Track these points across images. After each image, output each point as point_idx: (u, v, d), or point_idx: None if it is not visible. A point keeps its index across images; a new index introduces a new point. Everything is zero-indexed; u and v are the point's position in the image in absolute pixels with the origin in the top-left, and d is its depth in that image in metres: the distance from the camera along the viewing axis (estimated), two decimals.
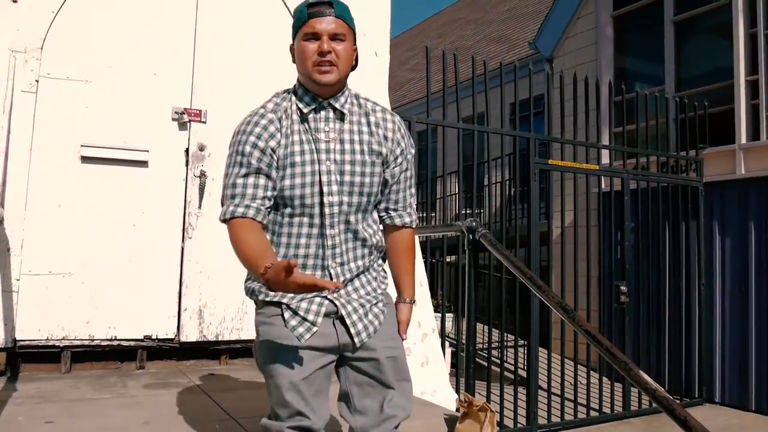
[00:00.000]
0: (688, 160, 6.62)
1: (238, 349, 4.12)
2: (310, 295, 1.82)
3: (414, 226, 2.04)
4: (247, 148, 1.81)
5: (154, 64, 3.89)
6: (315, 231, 1.85)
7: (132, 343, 3.81)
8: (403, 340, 1.99)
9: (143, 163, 3.85)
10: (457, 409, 3.08)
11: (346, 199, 1.85)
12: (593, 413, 5.90)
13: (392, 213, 1.98)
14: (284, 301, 1.83)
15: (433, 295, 7.50)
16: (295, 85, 1.92)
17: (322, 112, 1.87)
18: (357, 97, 1.96)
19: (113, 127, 3.77)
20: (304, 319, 1.82)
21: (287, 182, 1.82)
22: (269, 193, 1.82)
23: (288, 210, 1.85)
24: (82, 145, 3.69)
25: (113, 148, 3.76)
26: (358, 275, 1.91)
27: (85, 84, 3.73)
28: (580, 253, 5.77)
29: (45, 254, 3.60)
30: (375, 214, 1.98)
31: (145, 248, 3.83)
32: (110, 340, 3.76)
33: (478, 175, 9.20)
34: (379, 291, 1.96)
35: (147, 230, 3.84)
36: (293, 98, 1.89)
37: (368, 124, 1.92)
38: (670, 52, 7.43)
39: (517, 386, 5.38)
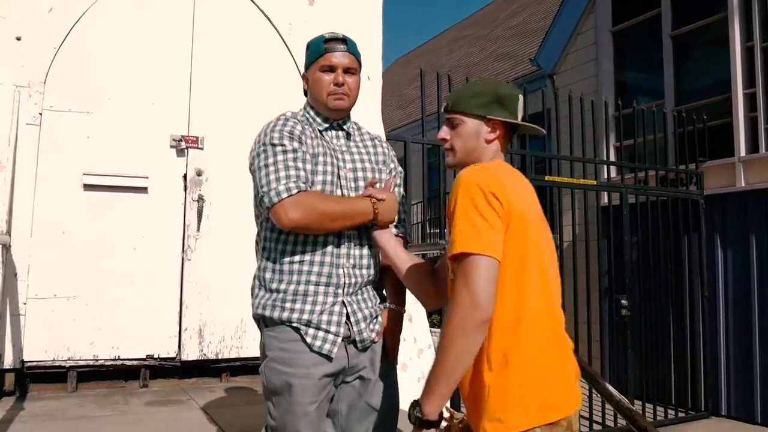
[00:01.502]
0: (688, 174, 6.66)
1: (238, 367, 4.24)
2: (328, 306, 1.87)
3: (405, 238, 2.09)
4: (284, 140, 1.88)
5: (152, 93, 4.06)
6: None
7: (135, 363, 3.95)
8: (393, 352, 2.01)
9: (143, 189, 4.01)
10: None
11: None
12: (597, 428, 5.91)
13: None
14: (305, 317, 1.85)
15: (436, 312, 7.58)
16: (305, 108, 2.05)
17: (333, 132, 2.03)
18: (355, 122, 2.12)
19: (114, 155, 3.94)
20: (328, 332, 1.85)
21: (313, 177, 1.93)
22: (310, 177, 1.88)
23: None
24: (84, 174, 3.86)
25: (114, 175, 3.93)
26: (366, 285, 1.96)
27: (86, 115, 3.91)
28: (584, 267, 5.82)
29: (50, 279, 3.77)
30: None
31: (146, 271, 3.98)
32: (114, 360, 3.90)
33: None
34: (379, 311, 2.00)
35: (147, 253, 3.99)
36: (306, 116, 2.03)
37: (371, 140, 2.10)
38: (669, 66, 7.50)
39: None
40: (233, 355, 4.17)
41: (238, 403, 3.72)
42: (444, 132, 1.75)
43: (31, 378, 3.78)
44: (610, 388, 2.24)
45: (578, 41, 8.46)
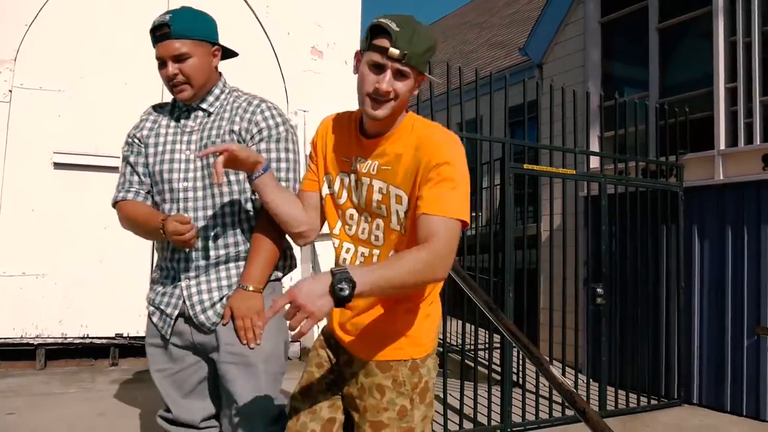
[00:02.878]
0: (668, 166, 6.68)
1: None
2: (168, 289, 1.97)
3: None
4: (124, 145, 2.16)
5: (125, 73, 4.06)
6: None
7: (104, 341, 3.99)
8: (240, 333, 1.88)
9: (114, 169, 4.01)
10: None
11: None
12: (569, 412, 5.98)
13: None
14: (152, 298, 2.05)
15: None
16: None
17: (185, 115, 2.10)
18: (235, 91, 2.15)
19: (85, 134, 3.95)
20: (163, 312, 1.98)
21: None
22: (139, 179, 2.10)
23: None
24: (54, 152, 3.88)
25: (85, 154, 3.94)
26: (216, 266, 1.94)
27: (57, 93, 3.91)
28: (566, 256, 5.86)
29: (19, 256, 3.79)
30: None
31: (116, 250, 4.00)
32: (82, 338, 3.93)
33: (474, 179, 9.31)
34: (229, 292, 1.93)
35: (118, 232, 3.99)
36: (170, 104, 2.21)
37: (244, 109, 2.05)
38: (654, 59, 7.49)
39: (495, 385, 5.49)
40: None
41: None
42: (389, 82, 1.57)
43: (0, 355, 3.82)
44: (555, 372, 2.28)
45: (567, 31, 8.44)
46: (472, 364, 6.62)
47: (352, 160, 1.74)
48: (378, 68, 1.60)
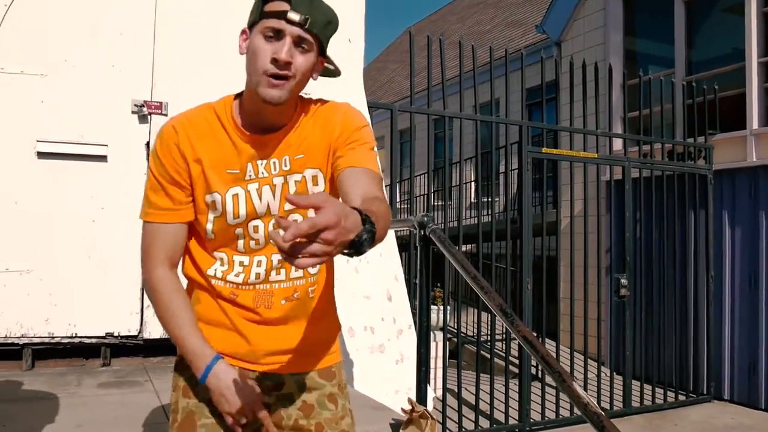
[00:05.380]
0: (696, 147, 6.32)
1: None
2: None
3: None
4: None
5: (112, 56, 3.81)
6: None
7: (94, 341, 3.77)
8: None
9: (102, 158, 3.78)
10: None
11: None
12: None
13: None
14: None
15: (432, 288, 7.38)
16: None
17: None
18: None
19: (70, 121, 3.70)
20: None
21: None
22: None
23: None
24: (38, 141, 3.64)
25: (70, 143, 3.69)
26: None
27: (40, 78, 3.66)
28: (587, 243, 5.54)
29: (2, 251, 3.56)
30: None
31: (106, 244, 3.76)
32: (71, 337, 3.71)
33: (490, 164, 9.01)
34: None
35: (107, 226, 3.77)
36: None
37: None
38: (680, 34, 7.10)
39: (512, 379, 5.19)
40: None
41: None
42: (288, 51, 1.34)
43: None
44: (579, 389, 1.99)
45: (586, 7, 8.05)
46: (488, 356, 6.34)
47: (244, 170, 1.44)
48: (274, 36, 1.34)
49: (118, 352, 3.88)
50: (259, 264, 1.48)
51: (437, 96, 5.08)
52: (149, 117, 3.87)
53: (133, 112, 3.85)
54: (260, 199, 1.45)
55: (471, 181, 10.62)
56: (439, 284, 7.10)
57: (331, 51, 1.49)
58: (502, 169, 9.43)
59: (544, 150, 5.48)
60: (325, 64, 1.48)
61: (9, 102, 3.60)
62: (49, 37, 3.69)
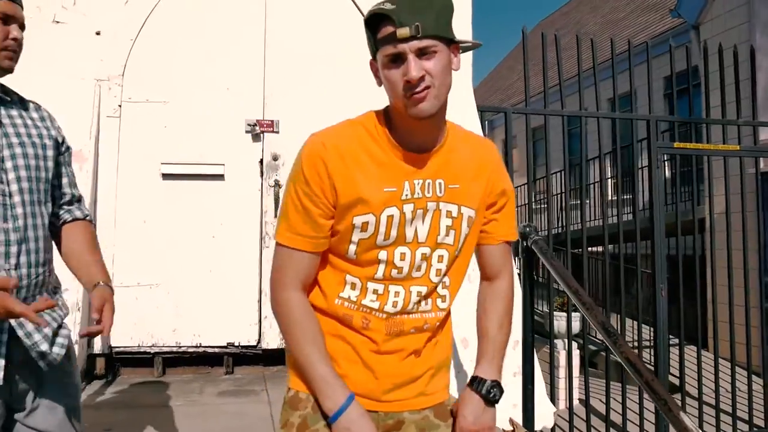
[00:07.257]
0: None
1: None
2: None
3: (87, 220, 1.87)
4: None
5: (226, 79, 4.00)
6: None
7: (217, 350, 3.98)
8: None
9: (220, 177, 3.98)
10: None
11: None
12: (743, 427, 5.17)
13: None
14: None
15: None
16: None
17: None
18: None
19: (190, 143, 3.94)
20: None
21: None
22: None
23: None
24: (162, 163, 3.90)
25: (191, 163, 3.93)
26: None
27: (163, 105, 3.93)
28: (736, 242, 5.08)
29: (133, 267, 3.86)
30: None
31: (225, 258, 3.96)
32: (195, 347, 3.94)
33: (624, 162, 8.56)
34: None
35: (226, 241, 3.97)
36: None
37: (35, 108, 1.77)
38: None
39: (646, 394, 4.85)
40: None
41: None
42: (416, 67, 1.27)
43: (122, 362, 3.92)
44: (688, 422, 1.82)
45: None
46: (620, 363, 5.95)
47: (401, 188, 1.37)
48: (397, 60, 1.29)
49: (239, 360, 4.07)
50: (396, 294, 1.42)
51: (569, 90, 4.89)
52: (262, 135, 4.04)
53: (246, 132, 4.03)
54: (411, 222, 1.39)
55: (595, 182, 10.10)
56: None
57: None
58: (639, 165, 8.87)
59: (675, 145, 5.07)
60: (461, 46, 1.39)
61: (136, 128, 3.89)
62: (169, 67, 3.96)
